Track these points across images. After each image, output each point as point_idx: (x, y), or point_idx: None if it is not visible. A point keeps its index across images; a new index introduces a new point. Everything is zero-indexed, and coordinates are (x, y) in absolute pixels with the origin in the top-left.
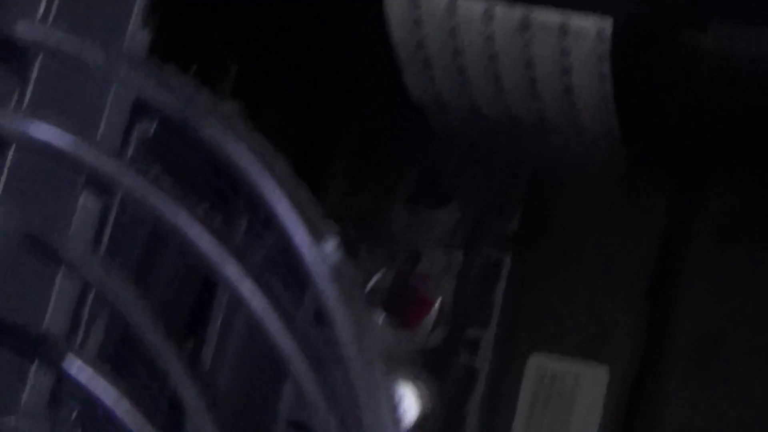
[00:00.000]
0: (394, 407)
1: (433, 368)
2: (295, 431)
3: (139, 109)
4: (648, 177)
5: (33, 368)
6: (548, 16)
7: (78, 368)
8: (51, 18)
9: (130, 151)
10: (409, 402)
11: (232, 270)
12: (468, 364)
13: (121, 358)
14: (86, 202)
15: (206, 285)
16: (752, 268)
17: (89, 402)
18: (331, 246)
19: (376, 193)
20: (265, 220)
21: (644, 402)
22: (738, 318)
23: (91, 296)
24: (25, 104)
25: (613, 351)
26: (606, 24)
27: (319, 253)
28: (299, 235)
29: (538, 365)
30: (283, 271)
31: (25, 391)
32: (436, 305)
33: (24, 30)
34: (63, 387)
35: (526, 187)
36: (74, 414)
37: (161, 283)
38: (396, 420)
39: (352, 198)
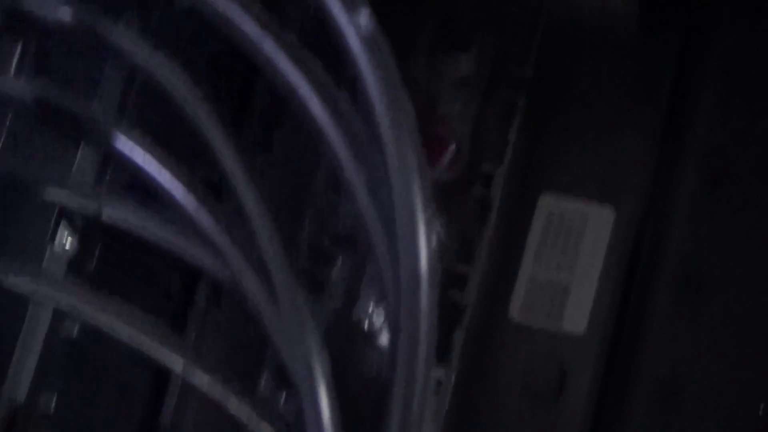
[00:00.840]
0: (424, 177)
1: (448, 202)
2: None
3: None
4: (660, 22)
5: (81, 146)
6: None
7: (125, 144)
8: None
9: None
10: None
11: (269, 45)
12: (481, 197)
13: (166, 138)
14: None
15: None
16: (760, 107)
17: (135, 176)
18: (365, 16)
19: (396, 43)
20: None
21: (650, 241)
22: (745, 155)
23: (137, 83)
24: None
25: (621, 192)
26: None
27: (353, 21)
28: (335, 5)
29: (548, 204)
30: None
31: (74, 167)
32: (453, 145)
33: None
34: (110, 164)
35: (542, 33)
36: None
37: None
38: (425, 186)
39: None
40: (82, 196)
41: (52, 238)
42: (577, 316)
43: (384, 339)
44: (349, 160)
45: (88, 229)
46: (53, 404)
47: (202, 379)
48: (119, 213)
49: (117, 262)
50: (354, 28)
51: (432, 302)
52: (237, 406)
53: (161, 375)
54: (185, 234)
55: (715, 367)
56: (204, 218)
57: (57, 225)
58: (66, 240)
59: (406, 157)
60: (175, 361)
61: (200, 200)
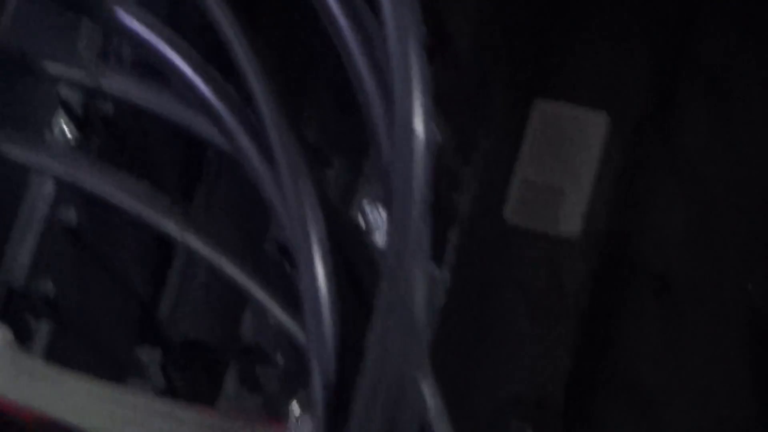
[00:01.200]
0: (421, 41)
1: (446, 106)
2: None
3: None
4: None
5: (84, 22)
6: None
7: (126, 17)
8: None
9: None
10: None
11: None
12: (478, 102)
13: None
14: None
15: None
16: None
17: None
18: None
19: None
20: None
21: (647, 147)
22: (746, 63)
23: None
24: None
25: (616, 97)
26: None
27: None
28: None
29: (543, 110)
30: None
31: (77, 43)
32: (453, 52)
33: None
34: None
35: None
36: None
37: None
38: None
39: None
40: (82, 69)
41: (51, 127)
42: (571, 218)
43: (379, 237)
44: (347, 24)
45: (88, 119)
46: (51, 290)
47: (202, 248)
48: (119, 84)
49: (116, 152)
50: None
51: (426, 163)
52: (237, 275)
53: (160, 266)
54: (186, 103)
55: (707, 258)
56: (202, 85)
57: (56, 110)
58: (65, 129)
59: (404, 18)
60: (174, 229)
61: (199, 68)
